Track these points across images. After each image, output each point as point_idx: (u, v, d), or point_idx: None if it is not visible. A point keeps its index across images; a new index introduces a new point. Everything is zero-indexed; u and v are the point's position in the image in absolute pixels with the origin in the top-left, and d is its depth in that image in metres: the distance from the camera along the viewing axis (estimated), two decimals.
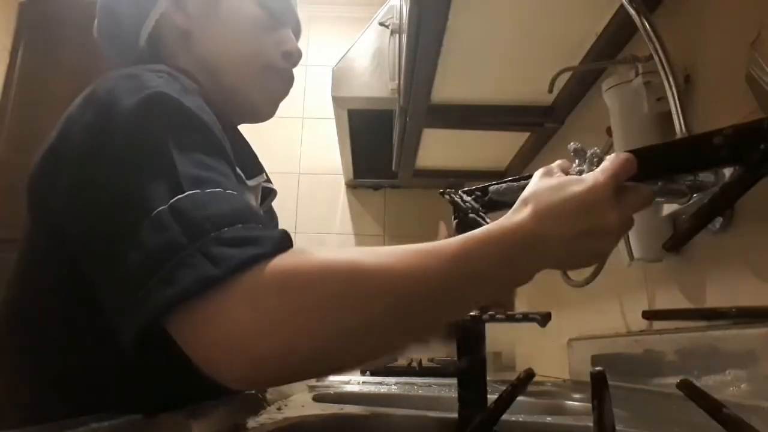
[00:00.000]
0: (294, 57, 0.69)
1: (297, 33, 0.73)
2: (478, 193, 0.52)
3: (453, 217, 0.53)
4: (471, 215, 0.51)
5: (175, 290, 0.35)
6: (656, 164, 0.40)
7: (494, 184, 0.51)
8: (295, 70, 0.71)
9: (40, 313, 0.52)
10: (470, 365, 0.46)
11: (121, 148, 0.43)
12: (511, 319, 0.42)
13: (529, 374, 0.36)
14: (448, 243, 0.40)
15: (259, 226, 0.40)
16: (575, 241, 0.40)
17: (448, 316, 0.43)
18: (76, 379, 0.50)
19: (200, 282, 0.35)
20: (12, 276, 0.54)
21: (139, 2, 0.64)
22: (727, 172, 0.55)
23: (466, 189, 0.53)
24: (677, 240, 0.32)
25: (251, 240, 0.38)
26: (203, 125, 0.47)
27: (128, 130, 0.44)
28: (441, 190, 0.55)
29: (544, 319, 0.38)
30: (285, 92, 0.71)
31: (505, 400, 0.35)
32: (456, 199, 0.52)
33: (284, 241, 0.38)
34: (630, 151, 0.41)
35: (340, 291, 0.36)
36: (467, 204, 0.52)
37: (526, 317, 0.40)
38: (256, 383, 0.37)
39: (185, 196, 0.40)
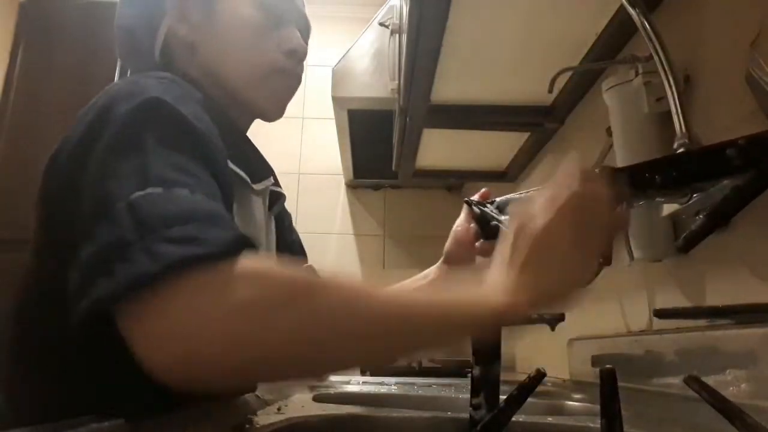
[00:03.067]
0: (298, 54, 0.68)
1: (304, 29, 0.72)
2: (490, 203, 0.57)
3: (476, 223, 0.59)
4: (493, 223, 0.53)
5: (112, 285, 0.35)
6: (669, 175, 0.40)
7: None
8: None
9: (45, 319, 0.52)
10: (485, 372, 0.46)
11: (105, 146, 0.45)
12: (527, 320, 0.43)
13: (540, 374, 0.36)
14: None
15: (218, 227, 0.38)
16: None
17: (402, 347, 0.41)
18: (78, 381, 0.50)
19: (135, 278, 0.35)
20: (22, 280, 0.54)
21: (150, 19, 0.65)
22: None
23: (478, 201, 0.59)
24: (689, 241, 0.32)
25: (199, 240, 0.36)
26: (193, 130, 0.47)
27: (116, 129, 0.45)
28: (466, 199, 0.61)
29: (554, 320, 0.39)
30: (292, 92, 0.70)
31: (516, 400, 0.35)
32: (478, 208, 0.57)
33: (235, 244, 0.37)
34: (642, 163, 0.42)
35: (278, 301, 0.35)
36: (489, 213, 0.56)
37: (540, 318, 0.40)
38: (185, 380, 0.35)
39: (145, 193, 0.39)
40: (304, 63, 0.71)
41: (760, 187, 0.30)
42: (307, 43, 0.73)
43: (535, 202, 0.43)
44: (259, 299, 0.35)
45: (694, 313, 0.31)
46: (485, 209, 0.57)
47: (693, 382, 0.28)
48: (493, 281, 0.42)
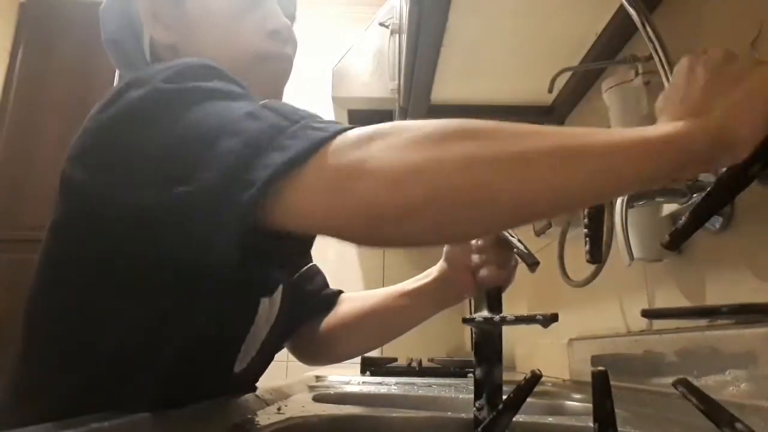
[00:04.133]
0: (282, 34, 0.64)
1: (289, 13, 0.67)
2: None
3: None
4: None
5: (291, 152, 0.36)
6: None
7: None
8: (294, 70, 0.69)
9: (55, 311, 0.51)
10: (487, 373, 0.46)
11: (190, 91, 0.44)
12: (520, 321, 0.43)
13: (536, 376, 0.36)
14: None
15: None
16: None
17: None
18: (83, 377, 0.50)
19: (315, 141, 0.37)
20: (35, 272, 0.53)
21: (132, 29, 0.63)
22: None
23: None
24: (675, 239, 0.31)
25: (341, 124, 0.39)
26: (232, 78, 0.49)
27: (185, 80, 0.45)
28: None
29: (546, 320, 0.39)
30: (284, 75, 0.66)
31: (513, 403, 0.35)
32: None
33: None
34: None
35: (448, 131, 0.36)
36: None
37: (532, 319, 0.40)
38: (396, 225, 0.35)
39: (267, 101, 0.42)
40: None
41: (741, 182, 0.29)
42: (294, 16, 0.69)
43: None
44: (430, 133, 0.36)
45: (684, 313, 0.30)
46: None
47: (681, 384, 0.27)
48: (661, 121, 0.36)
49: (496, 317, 0.48)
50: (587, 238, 0.39)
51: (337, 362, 0.83)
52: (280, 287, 0.68)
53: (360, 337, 0.78)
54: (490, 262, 0.56)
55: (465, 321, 0.50)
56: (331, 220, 0.37)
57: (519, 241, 0.50)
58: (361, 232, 0.37)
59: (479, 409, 0.46)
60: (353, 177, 0.35)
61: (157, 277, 0.48)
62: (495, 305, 0.51)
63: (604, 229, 0.80)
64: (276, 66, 0.64)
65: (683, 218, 0.30)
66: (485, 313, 0.50)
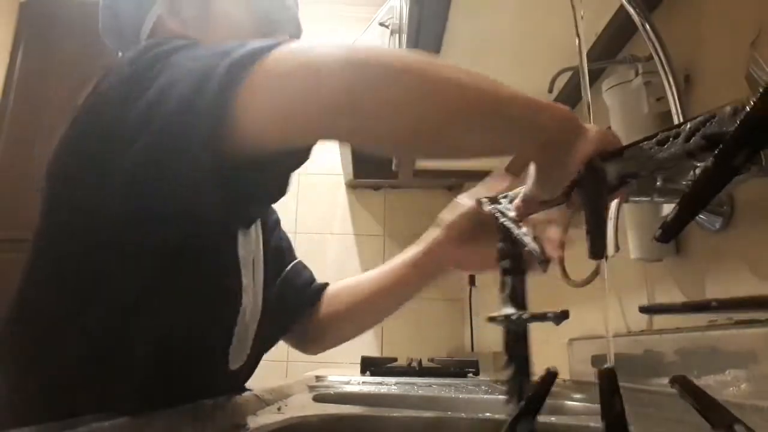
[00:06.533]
0: None
1: (295, 36, 0.72)
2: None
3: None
4: (502, 220, 0.50)
5: (243, 52, 0.41)
6: (635, 162, 0.40)
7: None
8: None
9: (47, 312, 0.52)
10: (517, 367, 0.46)
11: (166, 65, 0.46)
12: (534, 318, 0.43)
13: (552, 375, 0.35)
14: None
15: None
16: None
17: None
18: (79, 379, 0.50)
19: (259, 49, 0.41)
20: (22, 275, 0.54)
21: (139, 3, 0.65)
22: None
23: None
24: (666, 230, 0.30)
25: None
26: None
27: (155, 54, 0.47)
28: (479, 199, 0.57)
29: (558, 317, 0.39)
30: None
31: (533, 407, 0.35)
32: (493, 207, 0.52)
33: None
34: (611, 152, 0.42)
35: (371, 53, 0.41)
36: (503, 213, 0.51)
37: (544, 316, 0.40)
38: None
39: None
40: None
41: (727, 171, 0.27)
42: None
43: None
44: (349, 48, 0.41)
45: (679, 308, 0.29)
46: (498, 206, 0.52)
47: (677, 382, 0.27)
48: None
49: (514, 315, 0.46)
50: (588, 234, 0.40)
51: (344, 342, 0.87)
52: (261, 282, 0.69)
53: (364, 316, 0.86)
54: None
55: (490, 319, 0.48)
56: (290, 115, 0.41)
57: (534, 238, 0.48)
58: (317, 125, 0.41)
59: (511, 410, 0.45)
60: (304, 74, 0.40)
61: (138, 259, 0.50)
62: (520, 302, 0.49)
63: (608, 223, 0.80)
64: None
65: (672, 210, 0.29)
66: (507, 310, 0.48)
